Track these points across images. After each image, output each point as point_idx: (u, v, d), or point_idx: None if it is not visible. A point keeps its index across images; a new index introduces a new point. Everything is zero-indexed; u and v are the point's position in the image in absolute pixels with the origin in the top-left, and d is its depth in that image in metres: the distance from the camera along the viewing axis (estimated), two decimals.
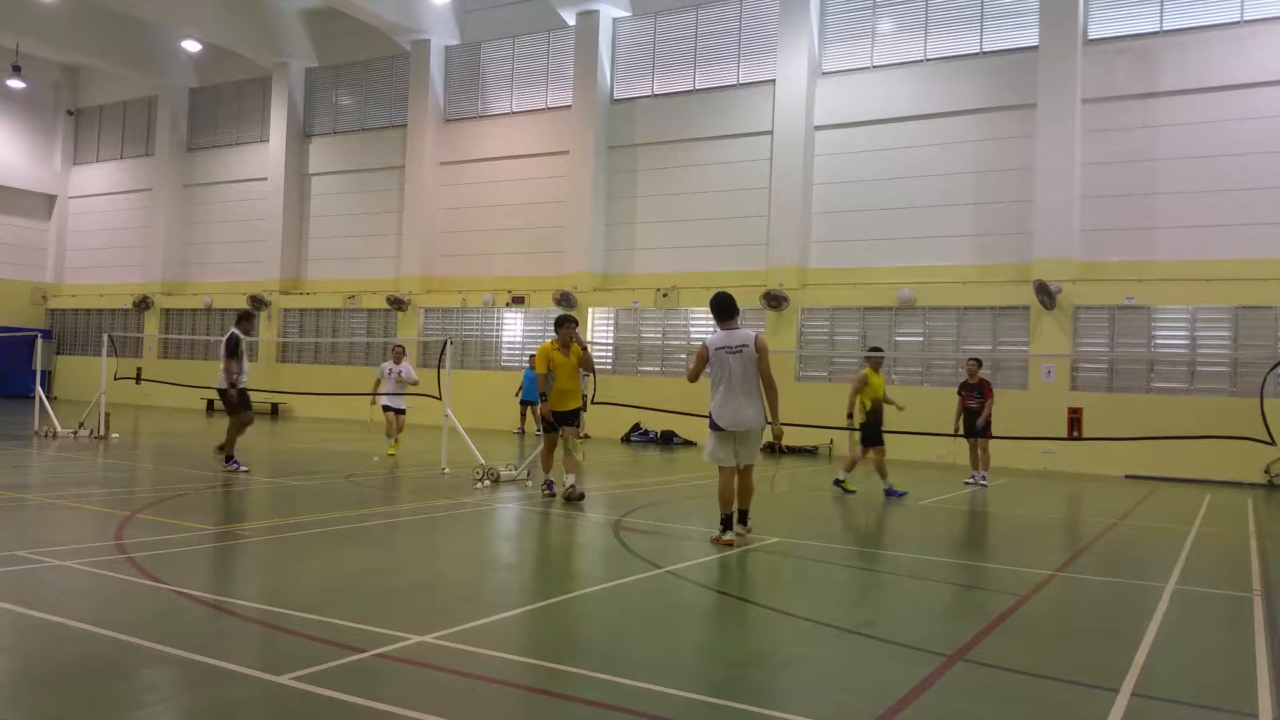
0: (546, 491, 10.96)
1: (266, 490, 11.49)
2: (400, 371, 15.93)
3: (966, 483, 14.00)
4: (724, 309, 8.61)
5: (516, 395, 22.13)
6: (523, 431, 22.47)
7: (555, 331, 10.85)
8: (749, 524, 8.55)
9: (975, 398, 14.24)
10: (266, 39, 28.40)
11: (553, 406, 10.61)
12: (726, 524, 8.27)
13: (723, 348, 8.28)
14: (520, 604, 5.97)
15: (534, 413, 21.32)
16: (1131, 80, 18.61)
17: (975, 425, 14.05)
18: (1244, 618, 6.30)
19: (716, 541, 8.15)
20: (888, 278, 20.46)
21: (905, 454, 16.94)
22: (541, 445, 11.08)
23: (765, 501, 12.56)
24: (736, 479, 8.30)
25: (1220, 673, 5.19)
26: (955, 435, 14.05)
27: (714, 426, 8.25)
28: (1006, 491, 13.94)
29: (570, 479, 10.69)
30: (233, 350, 12.72)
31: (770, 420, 8.22)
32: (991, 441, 14.18)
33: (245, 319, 13.26)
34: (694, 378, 8.68)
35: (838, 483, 12.80)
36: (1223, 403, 17.03)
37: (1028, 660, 5.11)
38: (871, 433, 12.46)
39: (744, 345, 8.24)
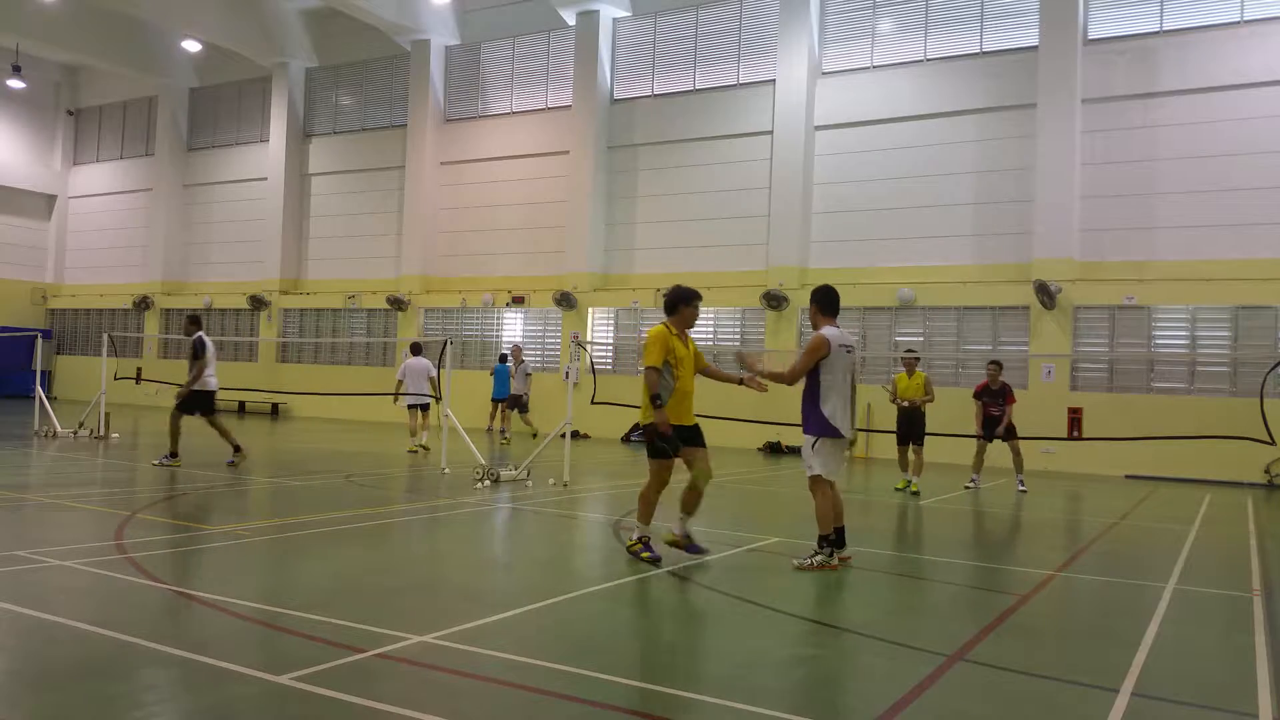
0: (647, 554, 7.35)
1: (266, 490, 11.49)
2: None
3: (967, 486, 13.97)
4: (834, 303, 7.64)
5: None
6: (493, 429, 22.00)
7: (669, 313, 7.55)
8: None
9: (998, 404, 13.71)
10: (266, 39, 28.40)
11: (673, 418, 7.35)
12: (839, 543, 7.45)
13: (845, 345, 7.51)
14: (520, 604, 5.96)
15: (504, 410, 20.91)
16: (1131, 80, 18.61)
17: (995, 433, 13.61)
18: (1244, 618, 6.30)
19: (826, 566, 7.29)
20: (888, 278, 20.46)
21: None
22: (647, 480, 7.57)
23: (767, 502, 12.58)
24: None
25: (1220, 673, 5.19)
26: (976, 437, 13.97)
27: (832, 433, 7.36)
28: (1006, 492, 13.94)
29: (680, 525, 7.64)
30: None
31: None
32: (992, 443, 14.02)
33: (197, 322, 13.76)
34: (800, 374, 7.44)
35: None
36: (1223, 403, 17.04)
37: (1028, 660, 5.12)
38: (900, 432, 13.38)
39: (852, 347, 7.65)
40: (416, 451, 16.26)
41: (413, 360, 16.90)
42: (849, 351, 7.57)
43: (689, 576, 7.04)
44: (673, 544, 7.54)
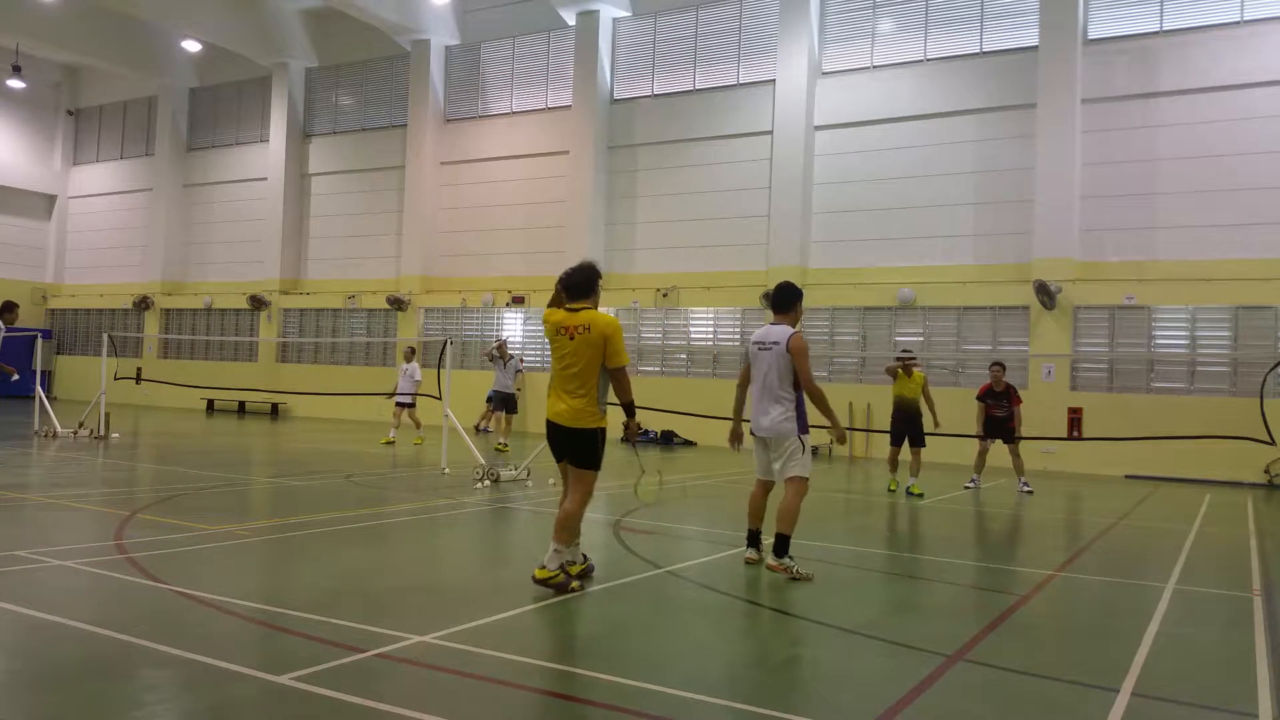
0: (578, 583, 6.39)
1: (266, 490, 11.49)
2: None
3: (967, 486, 13.97)
4: (775, 301, 7.52)
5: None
6: (486, 429, 21.39)
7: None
8: (788, 556, 7.08)
9: (1003, 406, 13.68)
10: (266, 39, 28.40)
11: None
12: (750, 540, 7.50)
13: (757, 342, 7.39)
14: (520, 604, 5.96)
15: (490, 413, 20.04)
16: (1131, 80, 18.60)
17: (1002, 432, 13.59)
18: (1244, 618, 6.30)
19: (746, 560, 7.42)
20: (888, 278, 20.46)
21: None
22: (581, 495, 6.48)
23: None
24: (772, 494, 7.48)
25: (1220, 673, 5.19)
26: (975, 436, 13.98)
27: (753, 430, 7.45)
28: (1006, 492, 13.94)
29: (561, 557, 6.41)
30: None
31: (828, 425, 7.31)
32: (993, 443, 14.01)
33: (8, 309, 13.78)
34: (743, 381, 7.57)
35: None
36: (1223, 403, 17.03)
37: (1028, 660, 5.12)
38: (895, 432, 13.17)
39: (775, 343, 7.24)
40: (392, 443, 18.25)
41: (410, 364, 18.92)
42: (760, 348, 7.32)
43: (688, 576, 7.04)
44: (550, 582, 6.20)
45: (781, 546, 7.06)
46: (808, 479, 7.27)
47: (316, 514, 9.23)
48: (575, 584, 6.30)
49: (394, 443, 18.25)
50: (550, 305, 6.61)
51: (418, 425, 18.87)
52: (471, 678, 4.48)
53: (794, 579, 6.89)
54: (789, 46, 21.56)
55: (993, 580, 7.66)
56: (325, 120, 29.23)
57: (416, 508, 10.25)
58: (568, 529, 6.31)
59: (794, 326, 7.37)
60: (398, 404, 18.66)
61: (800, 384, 7.23)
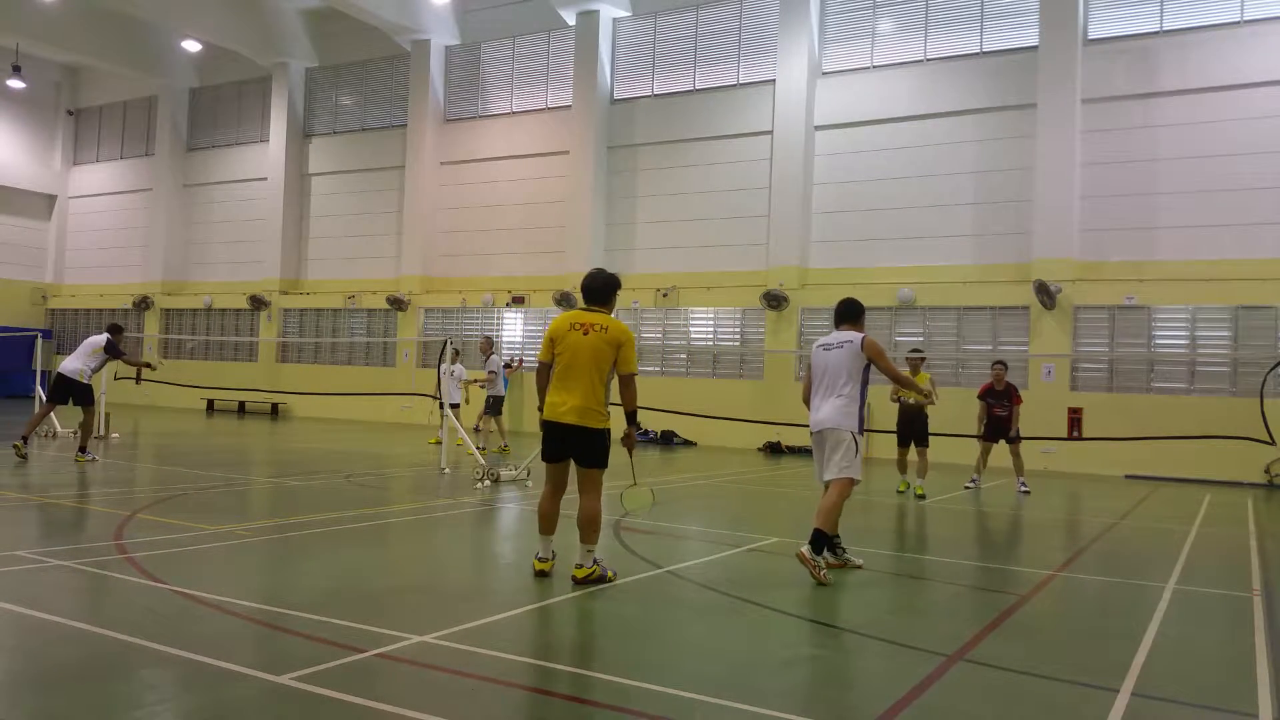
0: (611, 572, 6.71)
1: (266, 490, 11.49)
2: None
3: (967, 486, 13.97)
4: (843, 312, 7.66)
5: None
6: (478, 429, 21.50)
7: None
8: (824, 553, 7.12)
9: (1004, 405, 13.70)
10: (266, 39, 28.39)
11: None
12: (815, 544, 6.95)
13: (821, 345, 7.53)
14: (520, 604, 5.97)
15: (483, 418, 19.68)
16: (1131, 80, 18.60)
17: (1007, 434, 13.63)
18: (1244, 618, 6.30)
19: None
20: (888, 278, 20.46)
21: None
22: (597, 495, 6.81)
23: (767, 502, 12.58)
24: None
25: (1220, 673, 5.19)
26: (976, 437, 14.00)
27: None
28: (1007, 492, 13.93)
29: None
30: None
31: (923, 403, 7.82)
32: (994, 443, 14.01)
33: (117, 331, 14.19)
34: (806, 394, 7.59)
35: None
36: (1223, 403, 17.03)
37: (1028, 660, 5.12)
38: (900, 433, 13.23)
39: (848, 340, 7.36)
40: (507, 449, 18.00)
41: (456, 365, 18.23)
42: (825, 349, 7.48)
43: (688, 576, 7.04)
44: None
45: (818, 543, 7.00)
46: (855, 481, 7.25)
47: (316, 514, 9.23)
48: (610, 573, 6.58)
49: (507, 448, 17.89)
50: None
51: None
52: (471, 678, 4.48)
53: (814, 577, 6.80)
54: (789, 46, 21.56)
55: (993, 580, 7.67)
56: (325, 120, 29.23)
57: (416, 508, 10.25)
58: (594, 529, 6.56)
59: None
60: (452, 405, 17.46)
61: (864, 387, 7.35)
